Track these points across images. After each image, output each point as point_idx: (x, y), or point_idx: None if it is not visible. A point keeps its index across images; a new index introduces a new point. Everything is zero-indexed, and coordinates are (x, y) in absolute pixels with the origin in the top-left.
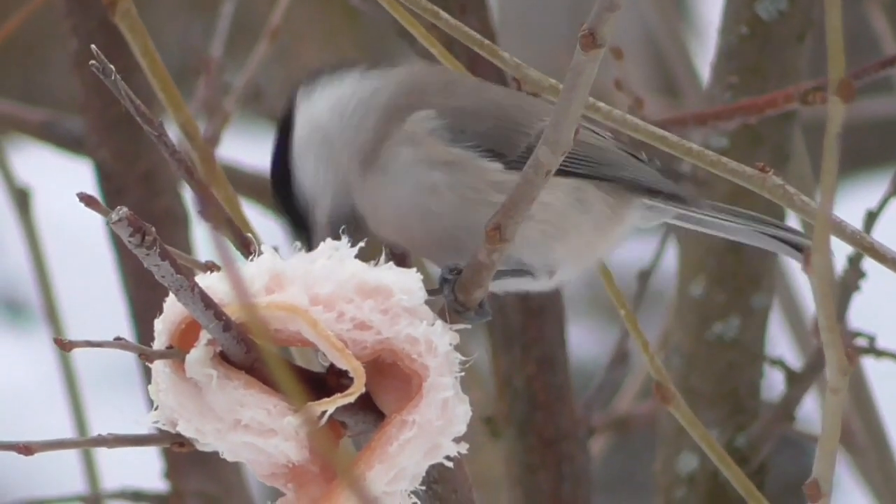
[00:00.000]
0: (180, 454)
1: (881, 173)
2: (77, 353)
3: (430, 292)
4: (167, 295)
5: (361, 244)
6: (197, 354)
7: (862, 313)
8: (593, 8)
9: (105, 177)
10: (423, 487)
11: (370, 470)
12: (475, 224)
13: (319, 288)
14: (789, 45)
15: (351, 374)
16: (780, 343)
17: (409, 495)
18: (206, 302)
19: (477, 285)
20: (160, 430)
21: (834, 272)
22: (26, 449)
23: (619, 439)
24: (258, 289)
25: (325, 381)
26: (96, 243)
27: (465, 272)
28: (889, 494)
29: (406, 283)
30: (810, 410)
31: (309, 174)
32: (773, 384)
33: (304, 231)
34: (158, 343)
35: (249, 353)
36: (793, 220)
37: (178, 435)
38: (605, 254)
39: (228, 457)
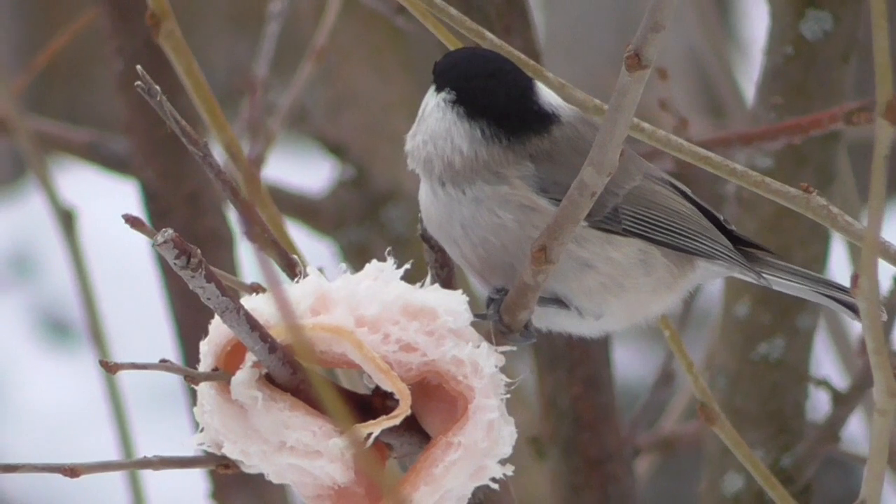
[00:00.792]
0: (226, 476)
1: None
2: (122, 374)
3: (476, 316)
4: (213, 316)
5: (407, 266)
6: (242, 376)
7: None
8: (638, 28)
9: (150, 197)
10: None
11: (416, 492)
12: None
13: (365, 309)
14: (834, 65)
15: (396, 396)
16: (825, 363)
17: None
18: (252, 324)
19: (522, 307)
20: (206, 452)
21: (880, 294)
22: (72, 471)
23: (665, 460)
24: (303, 310)
25: (370, 403)
26: (141, 264)
27: (510, 294)
28: None
29: (451, 305)
30: (855, 431)
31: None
32: (818, 404)
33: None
34: (204, 365)
35: (295, 375)
36: (837, 240)
37: (224, 457)
38: (656, 314)
39: (274, 479)
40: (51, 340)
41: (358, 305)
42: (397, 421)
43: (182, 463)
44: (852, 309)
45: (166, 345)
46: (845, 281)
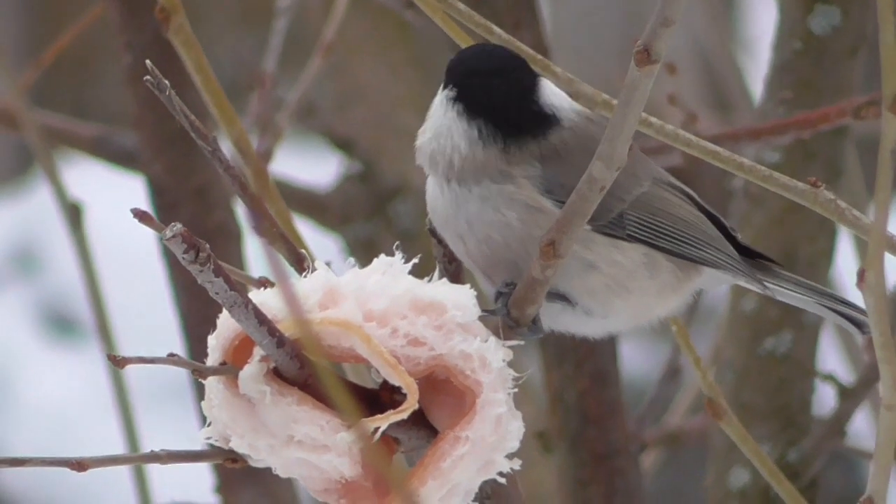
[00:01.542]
0: (233, 470)
1: None
2: (129, 368)
3: (484, 311)
4: (220, 310)
5: (415, 260)
6: (250, 370)
7: None
8: (648, 23)
9: (158, 192)
10: (477, 503)
11: (423, 486)
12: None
13: (373, 304)
14: (842, 59)
15: (404, 391)
16: (831, 358)
17: None
18: (260, 318)
19: (530, 301)
20: (213, 446)
21: (887, 289)
22: (79, 465)
23: (671, 454)
24: (312, 304)
25: (378, 397)
26: (148, 258)
27: (518, 288)
28: None
29: (460, 300)
30: (861, 426)
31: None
32: (825, 400)
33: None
34: (212, 359)
35: (303, 370)
36: (844, 235)
37: (232, 451)
38: (661, 317)
39: (281, 473)
40: (56, 335)
41: (366, 300)
42: (405, 415)
43: (190, 457)
44: (855, 323)
45: (173, 338)
46: (853, 286)
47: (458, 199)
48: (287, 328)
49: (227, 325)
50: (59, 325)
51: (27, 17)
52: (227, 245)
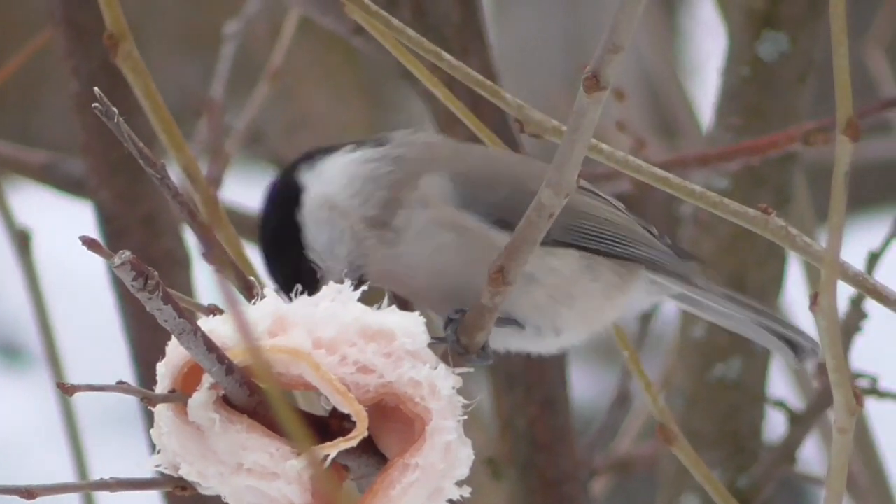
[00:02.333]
0: (182, 498)
1: (880, 215)
2: (78, 395)
3: (434, 339)
4: (169, 337)
5: (364, 288)
6: (199, 398)
7: (862, 354)
8: (596, 49)
9: (106, 219)
10: None
11: None
12: (475, 286)
13: (322, 331)
14: (791, 86)
15: (353, 418)
16: (781, 385)
17: None
18: (209, 345)
19: (479, 328)
20: (162, 474)
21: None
22: (28, 493)
23: (621, 480)
24: (261, 332)
25: (327, 425)
26: (97, 285)
27: (467, 315)
28: None
29: (409, 327)
30: (811, 453)
31: (322, 245)
32: (775, 426)
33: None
34: (161, 387)
35: (252, 397)
36: (794, 262)
37: (181, 479)
38: (612, 320)
39: (231, 501)
40: (4, 362)
41: (315, 327)
42: (354, 442)
43: (139, 485)
44: (793, 347)
45: (122, 365)
46: (802, 313)
47: (392, 253)
48: (236, 355)
49: (176, 353)
50: (7, 352)
51: None
52: (175, 272)
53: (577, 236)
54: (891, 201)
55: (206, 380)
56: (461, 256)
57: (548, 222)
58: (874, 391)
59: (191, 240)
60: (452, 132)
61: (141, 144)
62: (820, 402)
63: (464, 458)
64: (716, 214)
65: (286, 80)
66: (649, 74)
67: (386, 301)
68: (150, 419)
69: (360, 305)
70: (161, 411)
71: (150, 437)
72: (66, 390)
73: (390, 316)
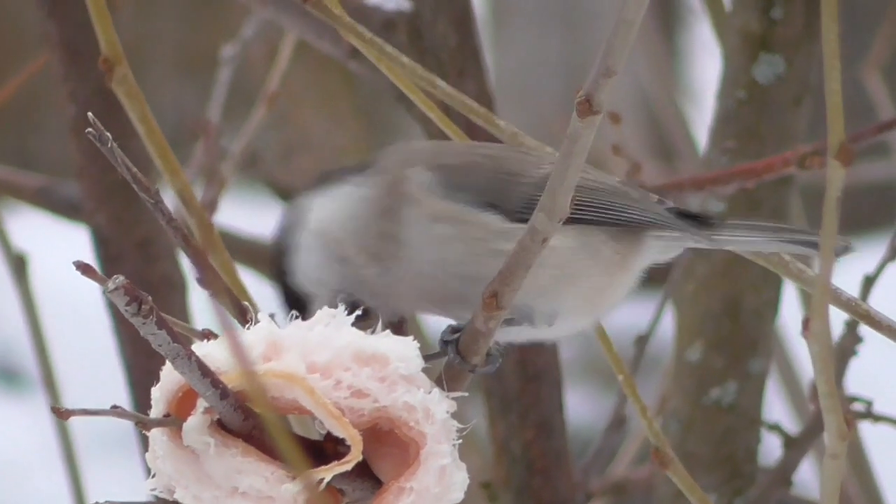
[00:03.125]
0: None
1: (875, 238)
2: (74, 419)
3: (428, 357)
4: (164, 362)
5: (358, 312)
6: (194, 422)
7: (857, 377)
8: (590, 73)
9: (102, 243)
10: None
11: None
12: (484, 275)
13: (316, 356)
14: (787, 109)
15: (348, 442)
16: (777, 408)
17: None
18: (203, 370)
19: (474, 352)
20: (158, 498)
21: (832, 338)
22: None
23: None
24: (255, 356)
25: (322, 449)
26: (93, 309)
27: (462, 339)
28: None
29: (403, 351)
30: (807, 476)
31: (309, 271)
32: (771, 449)
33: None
34: (156, 411)
35: (247, 421)
36: (790, 285)
37: (176, 502)
38: (615, 301)
39: None
40: (1, 385)
41: (309, 352)
42: (349, 466)
43: None
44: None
45: (118, 389)
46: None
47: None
48: (231, 380)
49: (170, 377)
50: (4, 376)
51: None
52: (171, 296)
53: (573, 210)
54: (887, 224)
55: (201, 404)
56: (462, 246)
57: (541, 247)
58: (869, 415)
59: (186, 264)
60: None
61: (134, 169)
62: (815, 426)
63: (458, 482)
64: None
65: (282, 104)
66: (646, 97)
67: (380, 325)
68: (145, 443)
69: (354, 330)
70: (156, 435)
71: (144, 461)
72: (60, 415)
73: (384, 340)
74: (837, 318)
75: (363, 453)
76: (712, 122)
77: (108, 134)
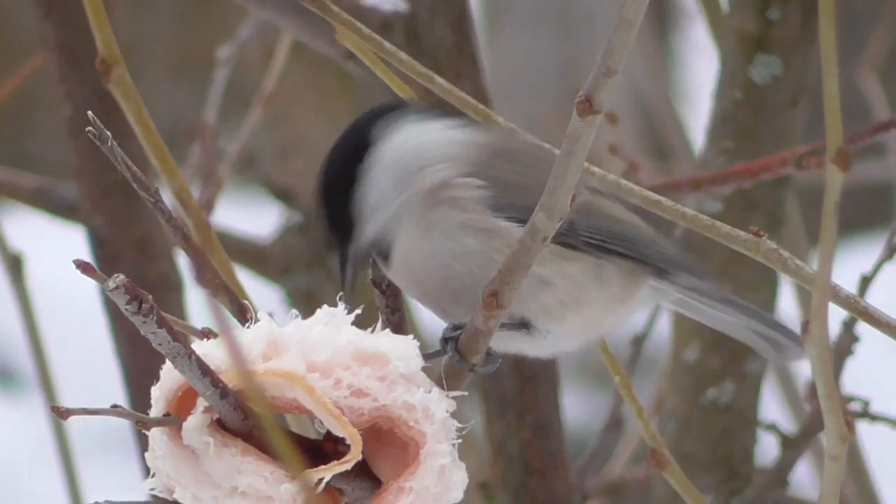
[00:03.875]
0: None
1: (871, 237)
2: (71, 419)
3: (428, 356)
4: (162, 361)
5: (358, 311)
6: (194, 422)
7: (853, 376)
8: (590, 73)
9: (99, 243)
10: None
11: None
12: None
13: (316, 355)
14: (783, 109)
15: (348, 442)
16: (773, 408)
17: None
18: (203, 369)
19: (474, 352)
20: (157, 497)
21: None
22: None
23: None
24: (255, 356)
25: (321, 449)
26: (90, 309)
27: (462, 338)
28: None
29: (403, 350)
30: (804, 476)
31: (376, 197)
32: (767, 449)
33: (335, 240)
34: (155, 410)
35: (246, 421)
36: (786, 285)
37: (176, 502)
38: (608, 331)
39: None
40: None
41: (309, 351)
42: (348, 466)
43: None
44: (778, 347)
45: (115, 389)
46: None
47: (417, 242)
48: (230, 379)
49: (170, 377)
50: (1, 376)
51: None
52: (168, 296)
53: (603, 238)
54: (883, 224)
55: (201, 403)
56: (482, 258)
57: (542, 246)
58: (866, 414)
59: (184, 264)
60: None
61: (135, 168)
62: (812, 426)
63: (458, 481)
64: (708, 237)
65: (279, 105)
66: (642, 98)
67: (380, 324)
68: (143, 443)
69: (354, 329)
70: (156, 435)
71: (143, 460)
72: (60, 414)
73: (384, 339)
74: (834, 318)
75: (363, 453)
76: (709, 123)
77: (108, 133)
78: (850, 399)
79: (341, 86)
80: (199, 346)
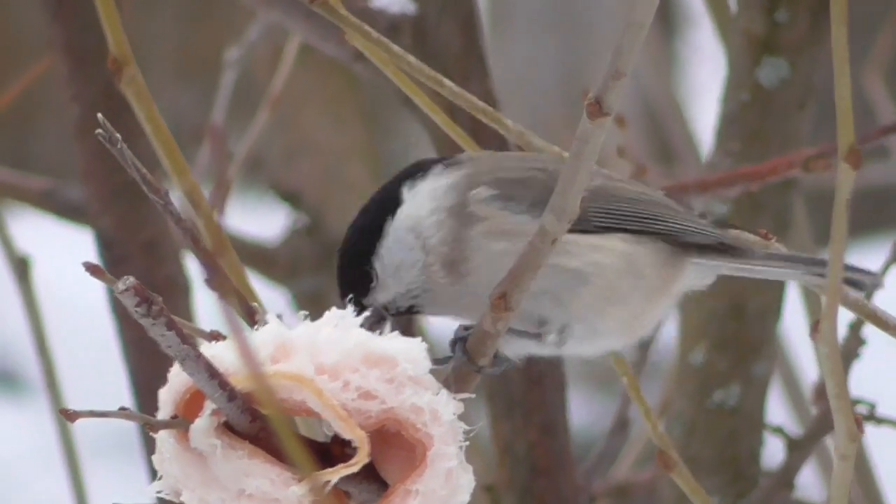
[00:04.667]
0: None
1: (875, 241)
2: (76, 422)
3: (436, 362)
4: (169, 364)
5: (367, 313)
6: (201, 424)
7: (859, 379)
8: (600, 76)
9: (106, 245)
10: None
11: None
12: (541, 285)
13: (325, 357)
14: (791, 112)
15: (355, 444)
16: (779, 411)
17: None
18: (211, 372)
19: (481, 354)
20: (164, 500)
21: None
22: None
23: None
24: (264, 358)
25: (329, 451)
26: (96, 312)
27: (469, 340)
28: None
29: (411, 353)
30: (810, 478)
31: (392, 262)
32: (773, 452)
33: (351, 296)
34: (163, 412)
35: (254, 423)
36: (793, 288)
37: None
38: (651, 326)
39: None
40: (3, 388)
41: (318, 353)
42: (356, 468)
43: None
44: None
45: (121, 392)
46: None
47: (464, 280)
48: (239, 381)
49: (178, 379)
50: (6, 379)
51: None
52: (175, 298)
53: (617, 219)
54: (889, 226)
55: (208, 406)
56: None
57: (551, 247)
58: (872, 417)
59: (191, 266)
60: None
61: (144, 170)
62: (818, 428)
63: (465, 484)
64: None
65: (286, 107)
66: (649, 100)
67: (388, 327)
68: (149, 445)
69: (362, 331)
70: (163, 437)
71: (149, 463)
72: (68, 416)
73: (392, 342)
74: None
75: (370, 455)
76: (716, 125)
77: (118, 135)
78: (857, 402)
79: (349, 88)
80: (208, 349)
